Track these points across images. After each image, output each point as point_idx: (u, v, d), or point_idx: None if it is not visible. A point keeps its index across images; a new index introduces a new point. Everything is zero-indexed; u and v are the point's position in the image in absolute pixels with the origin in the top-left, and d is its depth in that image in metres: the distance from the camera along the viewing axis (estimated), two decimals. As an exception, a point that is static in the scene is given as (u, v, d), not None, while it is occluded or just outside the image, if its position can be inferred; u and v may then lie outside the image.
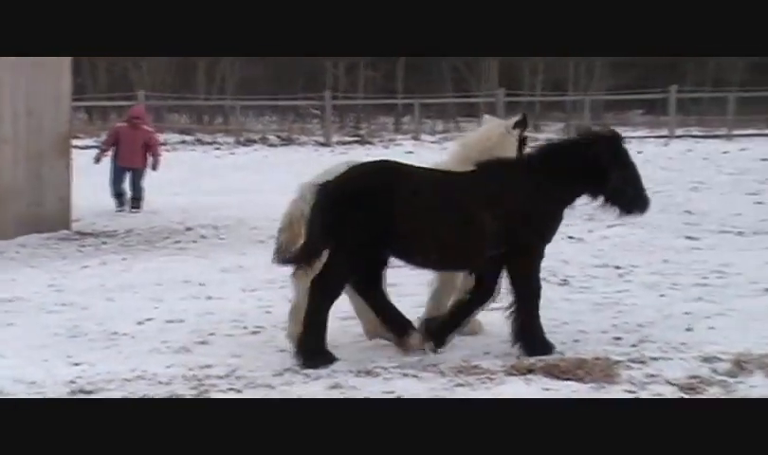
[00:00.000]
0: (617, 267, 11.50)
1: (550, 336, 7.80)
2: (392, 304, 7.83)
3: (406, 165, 7.87)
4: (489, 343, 8.14)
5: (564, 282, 10.61)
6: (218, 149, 30.51)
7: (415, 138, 32.43)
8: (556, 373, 6.85)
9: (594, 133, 8.01)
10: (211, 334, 8.72)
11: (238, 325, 9.04)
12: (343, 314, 8.33)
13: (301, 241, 7.74)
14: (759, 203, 18.10)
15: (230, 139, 32.46)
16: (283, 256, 7.88)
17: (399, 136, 34.20)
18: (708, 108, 38.63)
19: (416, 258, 7.73)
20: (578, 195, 7.83)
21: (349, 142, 32.23)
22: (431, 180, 7.67)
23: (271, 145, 31.73)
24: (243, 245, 13.77)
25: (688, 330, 8.46)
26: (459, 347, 7.93)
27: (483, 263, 7.70)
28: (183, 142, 31.65)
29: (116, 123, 21.76)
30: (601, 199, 7.79)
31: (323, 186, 7.53)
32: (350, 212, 7.38)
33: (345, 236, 7.42)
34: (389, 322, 7.80)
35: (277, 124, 40.30)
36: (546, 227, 7.74)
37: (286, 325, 8.22)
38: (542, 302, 7.77)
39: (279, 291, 10.24)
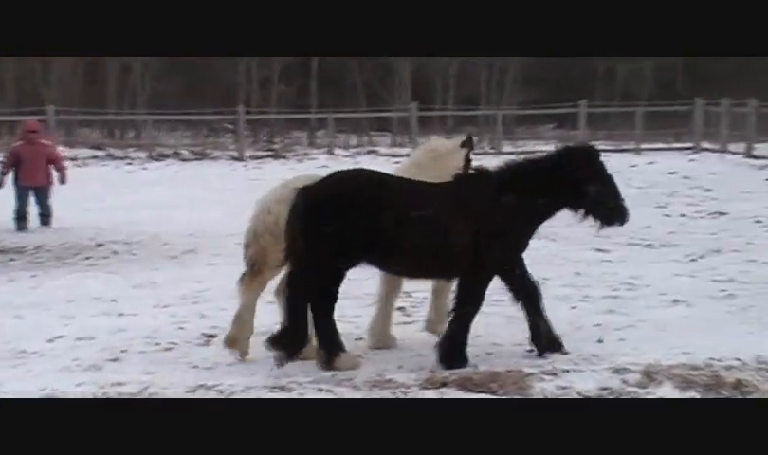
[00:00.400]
0: (530, 280, 11.58)
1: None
2: (335, 327, 7.83)
3: (383, 173, 7.98)
4: (403, 357, 8.18)
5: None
6: (130, 164, 30.13)
7: (329, 152, 32.34)
8: (469, 385, 6.89)
9: (570, 148, 8.18)
10: (123, 351, 8.62)
11: (150, 342, 8.94)
12: (263, 328, 8.30)
13: (270, 252, 7.88)
14: (668, 216, 18.46)
15: (143, 154, 32.08)
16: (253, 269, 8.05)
17: (314, 151, 34.07)
18: (617, 122, 39.17)
19: (394, 265, 7.84)
20: (557, 210, 8.02)
21: (263, 157, 32.07)
22: (410, 188, 7.78)
23: (184, 160, 31.43)
24: (155, 261, 13.63)
25: (599, 342, 8.60)
26: (373, 361, 7.96)
27: (458, 271, 7.79)
28: (95, 157, 31.20)
29: (13, 143, 20.53)
30: (581, 212, 7.99)
31: (302, 191, 7.57)
32: (328, 218, 7.43)
33: (322, 241, 7.46)
34: (324, 341, 7.79)
35: (190, 139, 39.88)
36: (514, 243, 7.89)
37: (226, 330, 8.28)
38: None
39: (192, 307, 10.17)
